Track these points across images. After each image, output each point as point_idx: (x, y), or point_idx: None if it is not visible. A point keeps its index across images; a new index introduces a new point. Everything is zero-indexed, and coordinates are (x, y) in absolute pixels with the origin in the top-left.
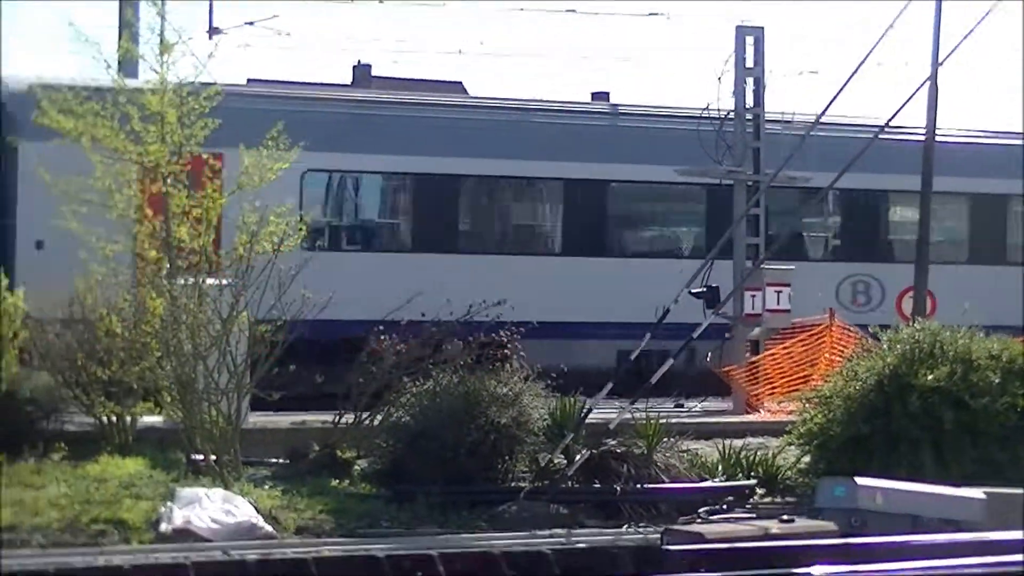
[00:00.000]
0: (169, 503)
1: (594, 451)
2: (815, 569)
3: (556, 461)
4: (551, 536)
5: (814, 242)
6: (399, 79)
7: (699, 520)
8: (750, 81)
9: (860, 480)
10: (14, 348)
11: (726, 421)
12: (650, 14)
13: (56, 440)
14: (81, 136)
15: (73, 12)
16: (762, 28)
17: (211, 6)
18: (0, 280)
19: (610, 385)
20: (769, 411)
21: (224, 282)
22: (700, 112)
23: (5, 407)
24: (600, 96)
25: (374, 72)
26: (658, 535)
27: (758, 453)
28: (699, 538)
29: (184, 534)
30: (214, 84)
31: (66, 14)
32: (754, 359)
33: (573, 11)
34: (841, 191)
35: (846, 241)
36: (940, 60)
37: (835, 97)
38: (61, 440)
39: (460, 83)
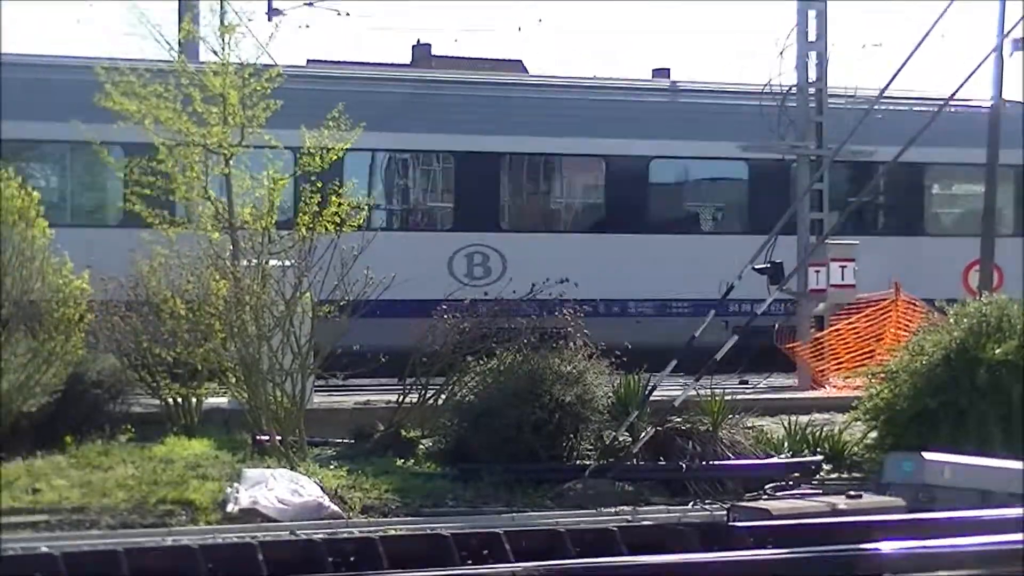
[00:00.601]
0: (235, 484)
1: (659, 428)
2: (883, 545)
3: (621, 439)
4: (616, 514)
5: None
6: (459, 58)
7: (765, 497)
8: (812, 55)
9: (927, 455)
10: (80, 331)
11: (791, 397)
12: None
13: (123, 422)
14: (144, 118)
15: None
16: (825, 2)
17: None
18: (65, 264)
19: (674, 362)
20: (835, 387)
21: (287, 263)
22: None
23: (72, 390)
24: (661, 72)
25: (434, 51)
26: (724, 512)
27: (824, 429)
28: (765, 515)
29: (251, 514)
30: (275, 65)
31: None
32: (819, 335)
33: None
34: None
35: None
36: (1006, 31)
37: (898, 71)
38: (128, 422)
39: (520, 61)
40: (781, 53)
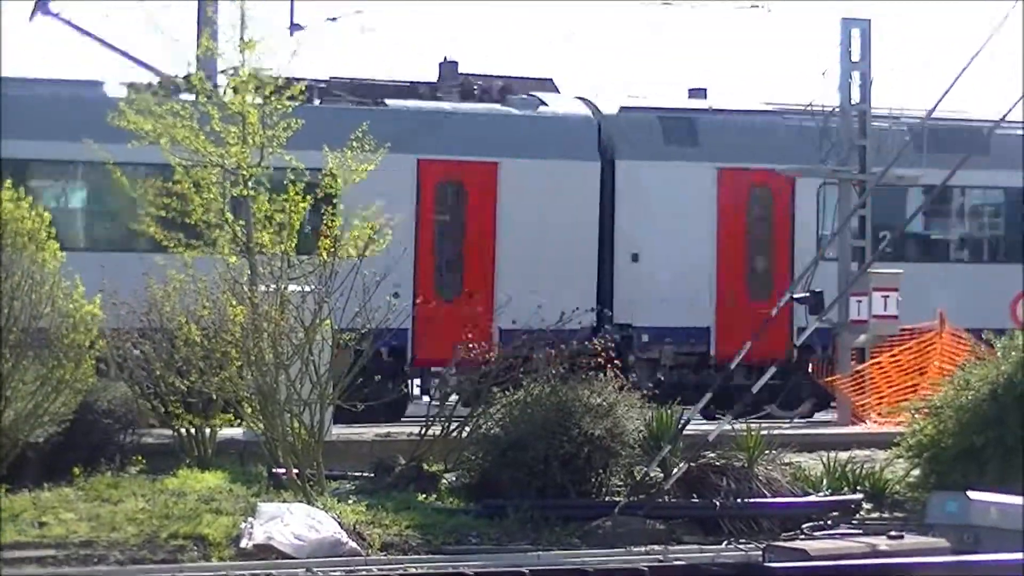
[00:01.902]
0: (250, 518)
1: (692, 464)
2: None
3: (652, 474)
4: (647, 553)
5: None
6: (486, 75)
7: (803, 536)
8: (855, 75)
9: (973, 494)
10: (91, 358)
11: (831, 432)
12: (751, 6)
13: (134, 453)
14: (160, 137)
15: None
16: (868, 20)
17: (292, 2)
18: (77, 288)
19: (709, 395)
20: (876, 422)
21: (307, 289)
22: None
23: (81, 419)
24: (697, 92)
25: (461, 69)
26: (760, 552)
27: (865, 466)
28: (803, 555)
29: (266, 550)
30: (297, 82)
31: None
32: (860, 367)
33: (668, 3)
34: None
35: None
36: None
37: (945, 93)
38: (139, 453)
39: (551, 80)
40: (823, 74)
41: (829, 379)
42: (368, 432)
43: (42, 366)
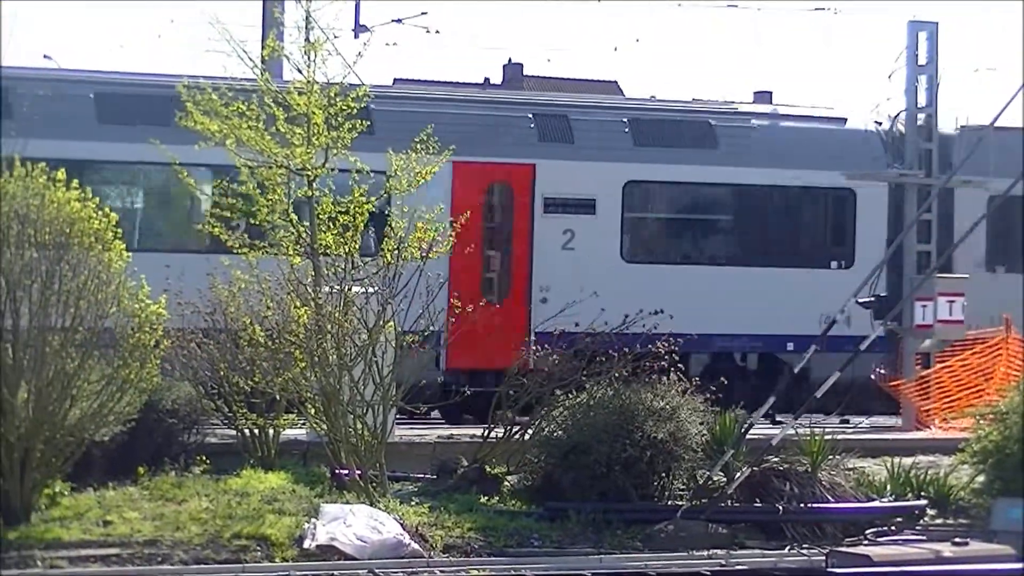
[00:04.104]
0: (313, 519)
1: (755, 468)
2: None
3: (715, 478)
4: (709, 557)
5: None
6: (551, 78)
7: (866, 542)
8: (922, 79)
9: None
10: (156, 358)
11: (895, 438)
12: (816, 9)
13: (198, 453)
14: (226, 138)
15: (218, 10)
16: (936, 23)
17: (358, 4)
18: (142, 288)
19: (772, 399)
20: (941, 427)
21: (371, 290)
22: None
23: (146, 419)
24: (762, 95)
25: (526, 71)
26: (823, 557)
27: (929, 472)
28: (866, 561)
29: (328, 551)
30: (362, 85)
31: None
32: (925, 373)
33: (735, 6)
34: None
35: None
36: None
37: (1013, 97)
38: (203, 453)
39: (615, 82)
40: (890, 76)
41: (893, 384)
42: (431, 434)
43: (107, 366)
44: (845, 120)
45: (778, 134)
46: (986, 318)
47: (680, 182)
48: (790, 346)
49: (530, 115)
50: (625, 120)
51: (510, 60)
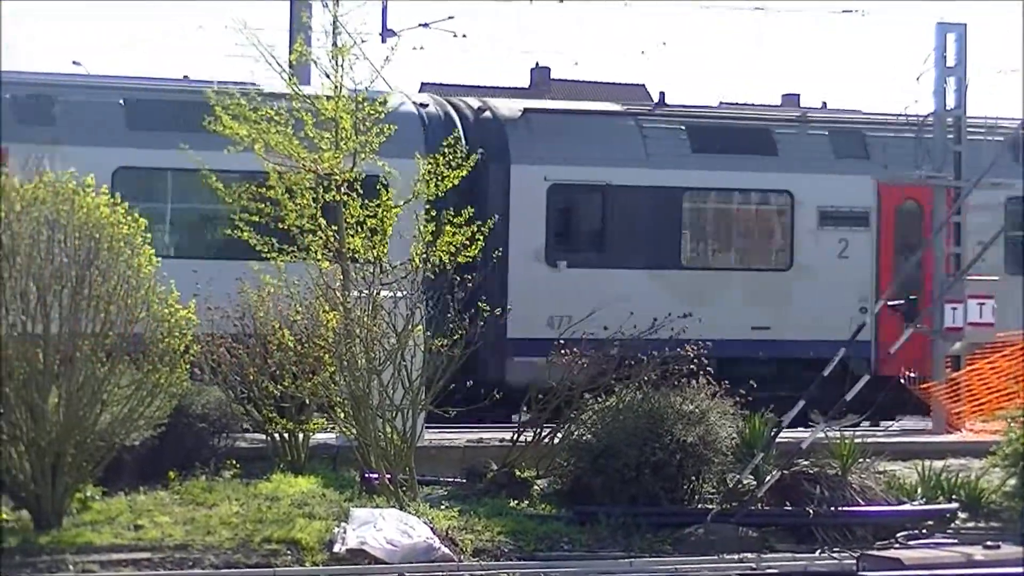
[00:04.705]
0: (343, 523)
1: (785, 472)
2: None
3: (745, 482)
4: (740, 561)
5: None
6: (579, 82)
7: (897, 545)
8: (951, 81)
9: None
10: (185, 363)
11: (925, 441)
12: (843, 11)
13: (228, 457)
14: (255, 143)
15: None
16: (964, 25)
17: (385, 8)
18: (171, 293)
19: (801, 403)
20: (972, 430)
21: (399, 294)
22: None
23: (176, 424)
24: (790, 98)
25: (553, 75)
26: (853, 561)
27: (960, 475)
28: (897, 564)
29: (359, 555)
30: (389, 90)
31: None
32: (955, 375)
33: (761, 9)
34: None
35: None
36: None
37: None
38: (233, 457)
39: (643, 86)
40: (918, 79)
41: (924, 387)
42: (460, 438)
43: (137, 370)
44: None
45: None
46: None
47: None
48: None
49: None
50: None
51: (537, 64)
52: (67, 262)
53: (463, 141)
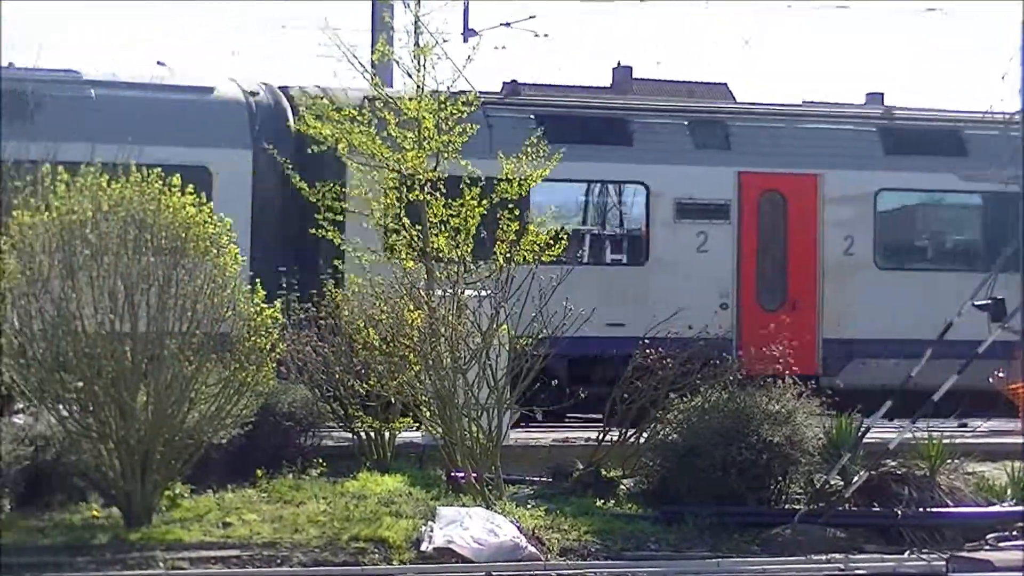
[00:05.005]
0: (430, 522)
1: (873, 472)
2: None
3: (832, 482)
4: (828, 561)
5: None
6: (660, 81)
7: (987, 547)
8: None
9: None
10: (271, 361)
11: (1015, 442)
12: (927, 9)
13: (315, 455)
14: (338, 143)
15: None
16: None
17: (466, 8)
18: (256, 292)
19: (889, 403)
20: None
21: (483, 293)
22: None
23: (263, 422)
24: (874, 97)
25: (635, 74)
26: (943, 562)
27: None
28: (987, 566)
29: (445, 554)
30: (471, 89)
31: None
32: None
33: (845, 7)
34: None
35: None
36: None
37: None
38: (319, 455)
39: (725, 84)
40: (1003, 77)
41: (1013, 387)
42: (546, 437)
43: (224, 369)
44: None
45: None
46: None
47: None
48: None
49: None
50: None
51: (619, 63)
52: (154, 261)
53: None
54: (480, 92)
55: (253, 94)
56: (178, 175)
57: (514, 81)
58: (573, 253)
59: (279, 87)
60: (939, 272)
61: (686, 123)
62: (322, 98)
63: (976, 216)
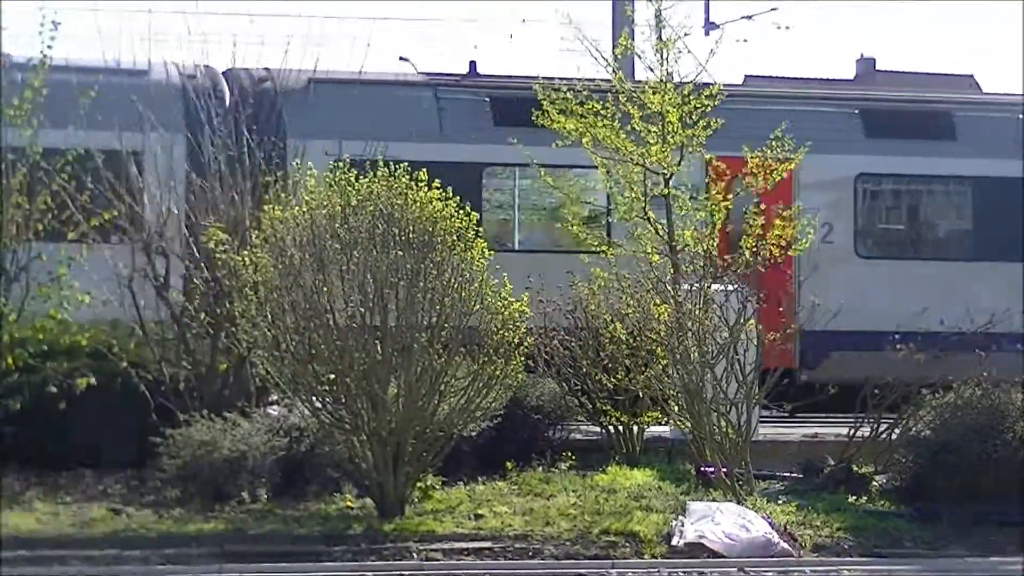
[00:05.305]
0: (680, 516)
1: None
2: None
3: None
4: None
5: None
6: (905, 73)
7: None
8: None
9: None
10: (520, 355)
11: None
12: None
13: (563, 449)
14: (582, 137)
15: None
16: None
17: (707, 2)
18: (504, 286)
19: None
20: None
21: (730, 287)
22: None
23: (511, 415)
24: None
25: (878, 66)
26: None
27: None
28: None
29: (697, 549)
30: (715, 83)
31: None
32: None
33: None
34: None
35: None
36: None
37: None
38: (568, 449)
39: (971, 76)
40: None
41: None
42: (795, 432)
43: (473, 362)
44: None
45: None
46: None
47: None
48: None
49: None
50: None
51: (862, 55)
52: (402, 255)
53: (230, 115)
54: (435, 74)
55: (191, 77)
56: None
57: (472, 64)
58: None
59: (224, 70)
60: None
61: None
62: (569, 91)
63: None
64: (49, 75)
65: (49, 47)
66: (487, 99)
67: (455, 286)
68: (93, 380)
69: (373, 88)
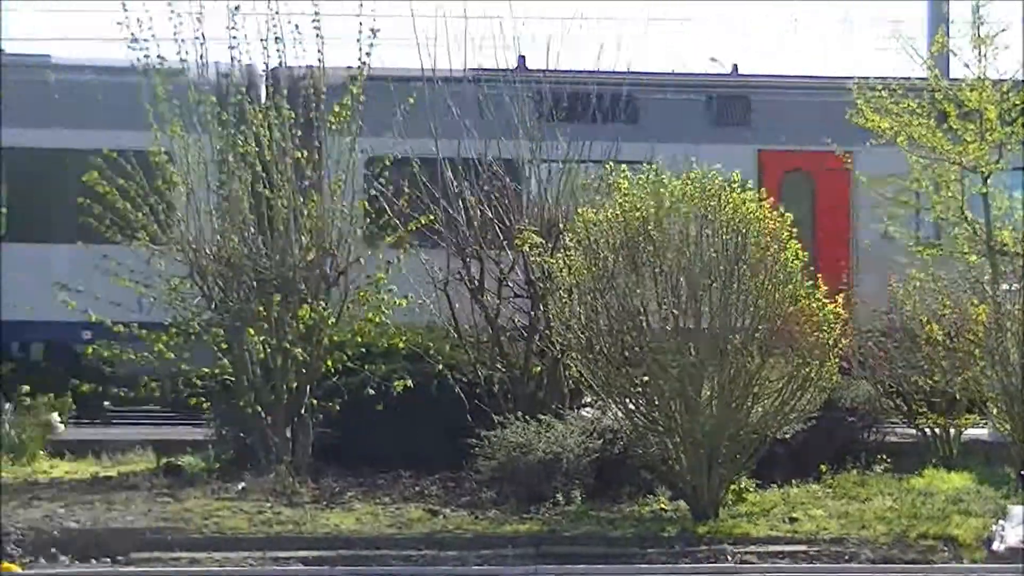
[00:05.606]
0: (1000, 521)
1: None
2: None
3: None
4: None
5: None
6: None
7: None
8: None
9: None
10: (835, 357)
11: None
12: None
13: (878, 451)
14: (897, 136)
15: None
16: None
17: None
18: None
19: None
20: None
21: None
22: None
23: (825, 417)
24: None
25: None
26: None
27: None
28: None
29: (1019, 554)
30: None
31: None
32: None
33: None
34: None
35: None
36: None
37: None
38: (883, 451)
39: None
40: None
41: None
42: None
43: (787, 364)
44: None
45: None
46: None
47: None
48: None
49: None
50: None
51: None
52: (716, 257)
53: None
54: None
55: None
56: None
57: None
58: None
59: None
60: None
61: None
62: (882, 89)
63: None
64: (366, 83)
65: (368, 54)
66: None
67: (769, 288)
68: (410, 382)
69: None
